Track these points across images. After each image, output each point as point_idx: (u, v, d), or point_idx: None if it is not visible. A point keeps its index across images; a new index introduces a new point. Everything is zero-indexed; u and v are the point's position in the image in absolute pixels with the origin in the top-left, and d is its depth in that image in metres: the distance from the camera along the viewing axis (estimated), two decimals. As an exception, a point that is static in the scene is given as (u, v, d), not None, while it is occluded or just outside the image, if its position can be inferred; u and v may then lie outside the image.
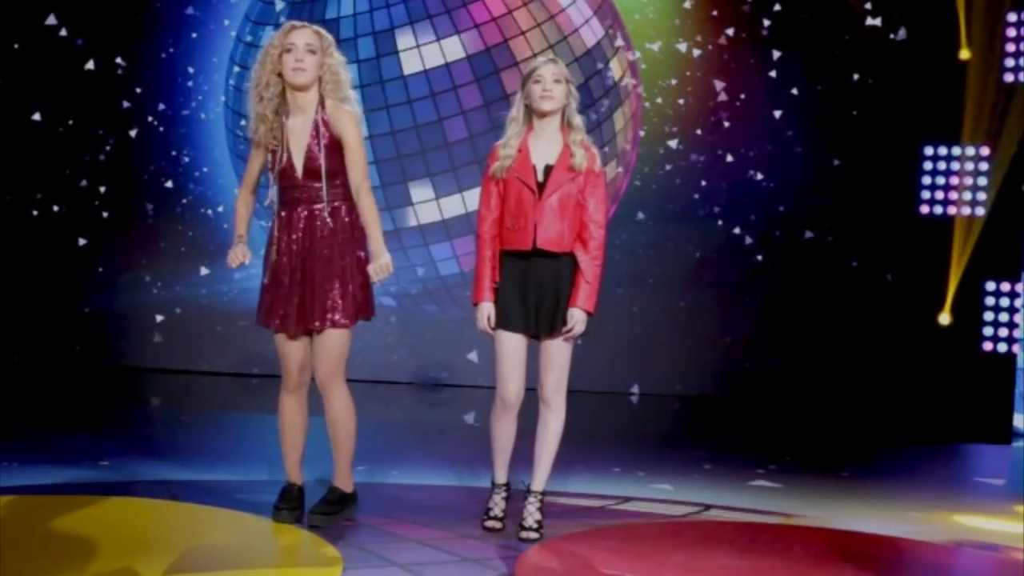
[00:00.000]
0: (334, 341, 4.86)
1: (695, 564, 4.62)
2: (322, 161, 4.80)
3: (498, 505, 5.04)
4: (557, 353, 4.90)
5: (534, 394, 4.98)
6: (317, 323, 4.82)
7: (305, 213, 4.84)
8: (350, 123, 4.83)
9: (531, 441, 5.04)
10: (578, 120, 4.94)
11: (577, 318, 4.86)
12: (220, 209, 10.10)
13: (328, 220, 4.83)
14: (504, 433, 5.00)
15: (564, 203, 4.85)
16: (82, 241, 10.16)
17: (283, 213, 4.89)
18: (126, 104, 10.14)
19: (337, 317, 4.82)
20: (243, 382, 9.82)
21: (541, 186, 4.85)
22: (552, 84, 4.87)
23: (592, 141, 5.04)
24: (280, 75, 4.81)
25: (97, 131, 10.13)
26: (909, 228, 9.28)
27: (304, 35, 4.84)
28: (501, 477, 5.06)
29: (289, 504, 4.97)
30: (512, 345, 4.90)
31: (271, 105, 4.82)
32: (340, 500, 5.01)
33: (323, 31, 4.93)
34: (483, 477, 5.48)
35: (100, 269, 10.17)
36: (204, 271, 10.08)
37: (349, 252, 4.86)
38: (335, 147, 4.82)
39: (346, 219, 4.86)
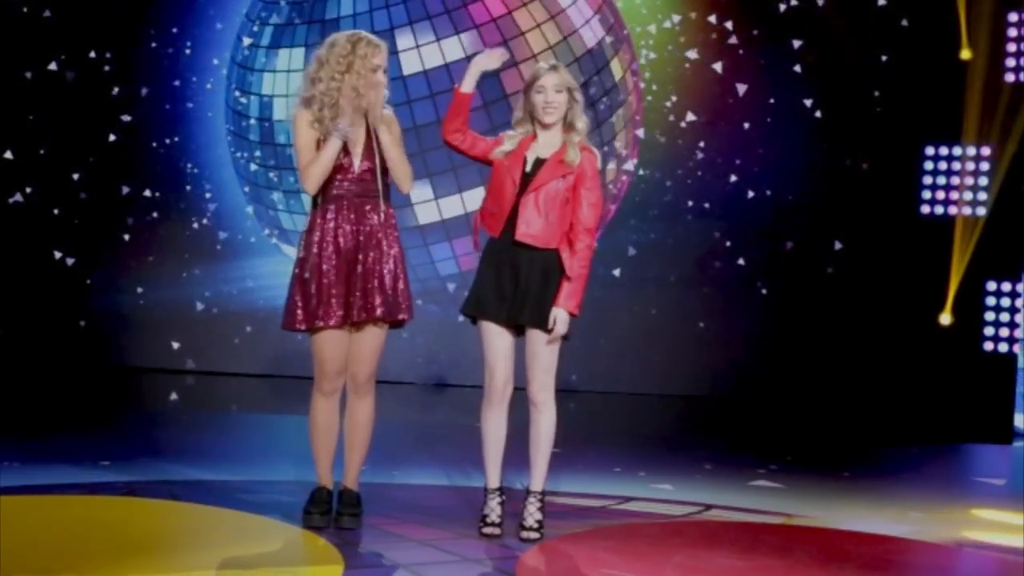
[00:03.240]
0: (378, 340, 4.89)
1: (696, 564, 4.62)
2: (377, 159, 4.85)
3: (494, 511, 4.97)
4: (542, 350, 4.86)
5: (523, 394, 4.95)
6: (373, 313, 4.80)
7: (356, 207, 4.84)
8: (396, 128, 4.94)
9: (520, 443, 5.02)
10: (581, 124, 4.89)
11: (560, 319, 4.80)
12: (214, 208, 10.12)
13: (381, 214, 4.85)
14: (494, 430, 4.96)
15: (551, 199, 4.80)
16: (80, 241, 10.16)
17: (334, 207, 4.86)
18: (118, 97, 10.16)
19: (385, 311, 4.83)
20: (244, 382, 9.82)
21: (527, 177, 4.83)
22: (554, 95, 4.85)
23: (590, 143, 4.98)
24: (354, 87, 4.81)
25: (85, 129, 10.14)
26: (910, 228, 9.29)
27: (385, 55, 4.88)
28: (494, 482, 5.01)
29: (321, 508, 4.95)
30: (495, 334, 4.89)
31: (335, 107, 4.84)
32: (359, 501, 5.01)
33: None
34: (483, 478, 5.47)
35: (97, 271, 10.17)
36: (204, 272, 10.09)
37: (400, 248, 4.91)
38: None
39: (390, 217, 4.90)
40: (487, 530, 4.94)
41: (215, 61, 10.07)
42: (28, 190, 10.12)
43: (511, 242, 4.82)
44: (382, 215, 4.87)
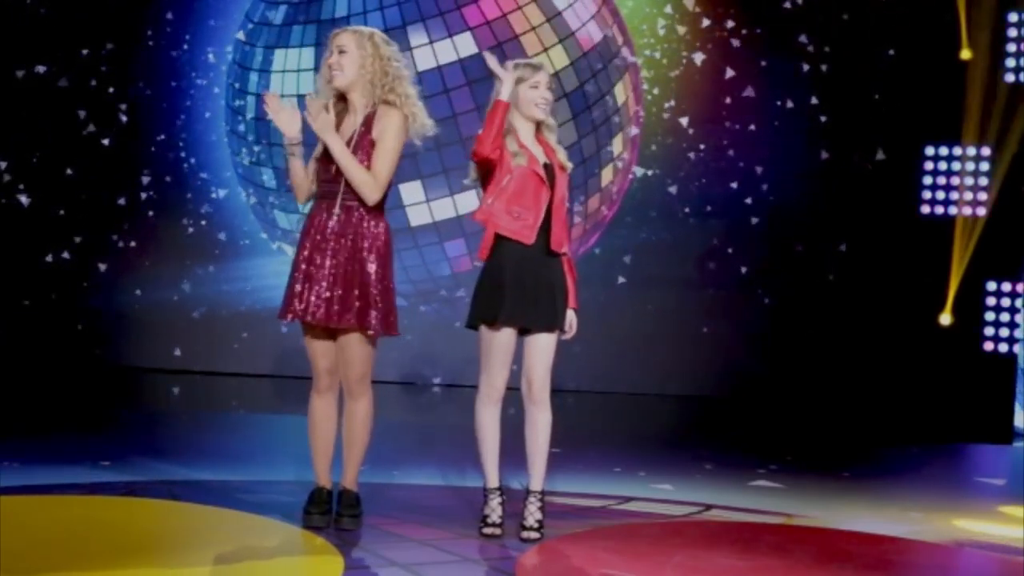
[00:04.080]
0: (360, 344, 4.84)
1: (696, 564, 4.62)
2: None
3: (495, 511, 4.96)
4: (548, 349, 4.89)
5: (515, 394, 4.95)
6: (338, 322, 4.76)
7: (336, 209, 4.82)
8: (389, 124, 4.79)
9: (516, 443, 5.01)
10: (552, 121, 4.98)
11: (576, 320, 4.93)
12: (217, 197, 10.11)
13: (355, 219, 4.80)
14: (491, 428, 4.94)
15: (563, 204, 4.90)
16: (78, 242, 10.16)
17: (317, 207, 4.86)
18: (116, 94, 10.15)
19: (354, 319, 4.76)
20: (244, 382, 9.82)
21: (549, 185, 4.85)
22: (547, 92, 4.90)
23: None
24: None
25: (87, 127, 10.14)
26: (910, 228, 9.29)
27: (336, 38, 4.85)
28: (493, 481, 4.99)
29: (320, 508, 4.94)
30: (507, 338, 4.88)
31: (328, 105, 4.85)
32: (359, 501, 5.00)
33: (363, 30, 4.88)
34: (482, 478, 5.46)
35: (95, 272, 10.17)
36: (203, 273, 10.09)
37: (377, 259, 4.82)
38: (372, 147, 4.78)
39: (374, 223, 4.82)
40: (488, 530, 4.93)
41: (211, 59, 10.07)
42: (26, 190, 10.12)
43: (542, 251, 4.84)
44: (357, 218, 4.79)
